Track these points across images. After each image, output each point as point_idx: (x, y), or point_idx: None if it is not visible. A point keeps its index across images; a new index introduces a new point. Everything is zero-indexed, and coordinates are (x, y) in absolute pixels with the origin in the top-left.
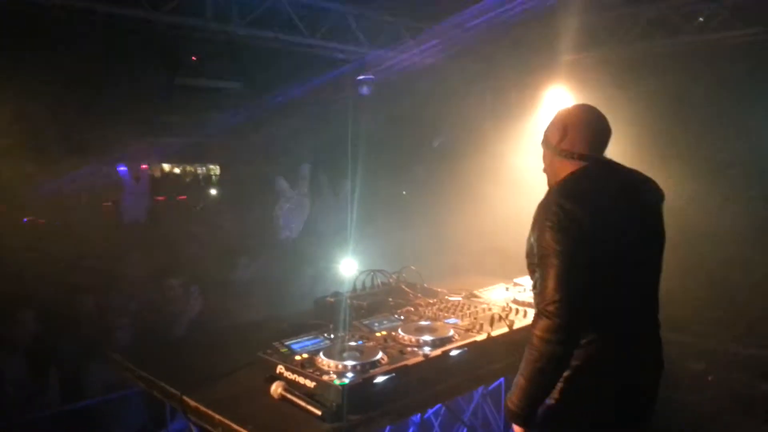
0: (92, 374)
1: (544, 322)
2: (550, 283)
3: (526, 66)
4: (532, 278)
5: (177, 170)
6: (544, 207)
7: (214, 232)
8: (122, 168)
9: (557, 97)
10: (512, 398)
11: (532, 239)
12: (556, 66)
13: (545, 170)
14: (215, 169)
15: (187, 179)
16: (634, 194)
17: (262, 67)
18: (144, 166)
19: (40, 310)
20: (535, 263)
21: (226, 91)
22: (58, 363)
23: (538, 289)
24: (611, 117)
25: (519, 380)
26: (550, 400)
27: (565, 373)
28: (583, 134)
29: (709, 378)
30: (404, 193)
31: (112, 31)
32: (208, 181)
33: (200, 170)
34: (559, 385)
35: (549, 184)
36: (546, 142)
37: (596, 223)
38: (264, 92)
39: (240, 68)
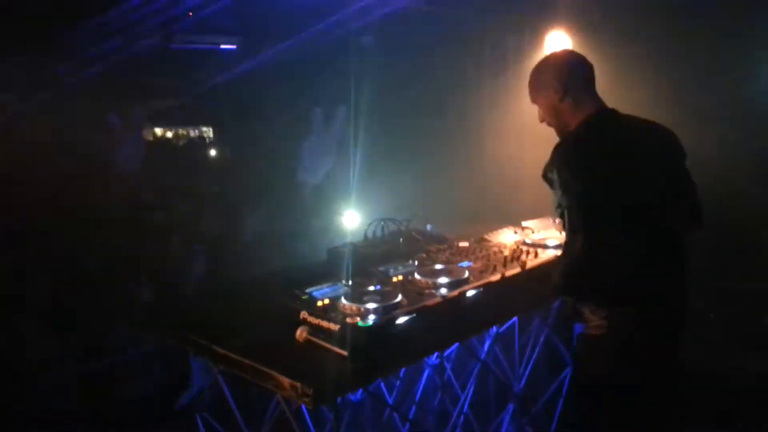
0: (113, 334)
1: (569, 254)
2: (575, 219)
3: (523, 9)
4: (562, 220)
5: (169, 134)
6: (566, 154)
7: (216, 190)
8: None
9: (557, 41)
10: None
11: (555, 183)
12: (554, 8)
13: (549, 123)
14: (208, 131)
15: (180, 142)
16: (648, 143)
17: (258, 22)
18: None
19: (57, 270)
20: (563, 205)
21: (222, 50)
22: (78, 324)
23: (567, 218)
24: (613, 59)
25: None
26: (591, 330)
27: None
28: (579, 80)
29: (711, 315)
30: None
31: None
32: (202, 143)
33: (193, 133)
34: (603, 320)
35: (559, 133)
36: (544, 98)
37: (614, 166)
38: (261, 49)
39: (238, 24)
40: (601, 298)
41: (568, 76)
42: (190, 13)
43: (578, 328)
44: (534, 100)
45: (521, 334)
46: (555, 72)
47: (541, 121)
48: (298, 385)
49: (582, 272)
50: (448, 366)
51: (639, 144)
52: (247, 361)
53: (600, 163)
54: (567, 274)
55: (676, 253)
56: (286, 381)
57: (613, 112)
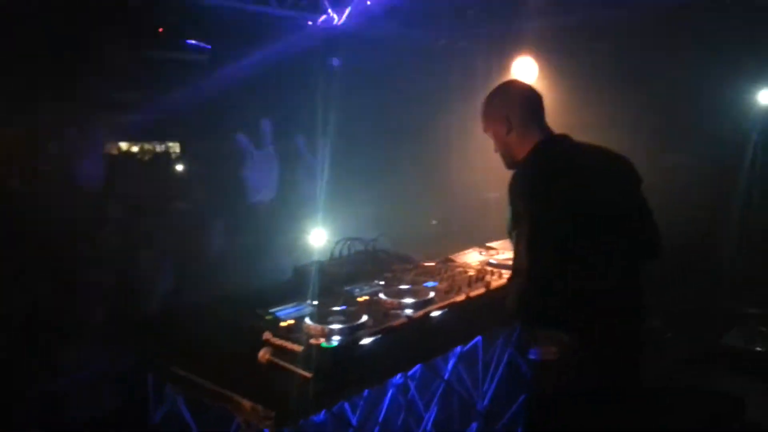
0: (70, 353)
1: (518, 281)
2: (523, 246)
3: (491, 35)
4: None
5: (135, 148)
6: (515, 183)
7: (181, 206)
8: None
9: (523, 66)
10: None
11: (508, 214)
12: (522, 34)
13: (500, 153)
14: (175, 147)
15: (146, 157)
16: (601, 167)
17: (227, 37)
18: None
19: (13, 285)
20: (515, 231)
21: (190, 63)
22: (33, 342)
23: (515, 250)
24: (576, 85)
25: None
26: (545, 356)
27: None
28: (525, 112)
29: (668, 334)
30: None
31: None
32: (168, 158)
33: (159, 148)
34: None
35: (507, 164)
36: (493, 131)
37: (565, 191)
38: (229, 64)
39: (206, 39)
40: (555, 324)
41: (514, 110)
42: (160, 29)
43: (532, 353)
44: (485, 130)
45: (485, 353)
46: (501, 106)
47: (496, 151)
48: (260, 407)
49: (536, 298)
50: (412, 385)
51: (591, 168)
52: (207, 384)
53: (550, 189)
54: (520, 299)
55: (632, 277)
56: (247, 404)
57: (562, 138)
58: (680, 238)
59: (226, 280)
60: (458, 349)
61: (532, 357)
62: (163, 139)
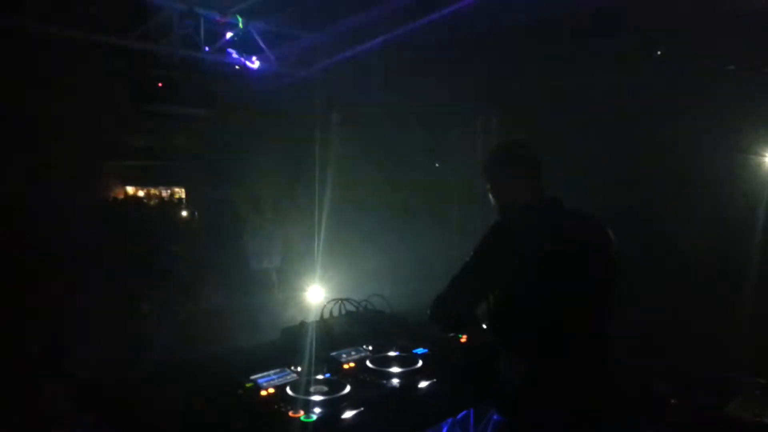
0: (48, 408)
1: (430, 308)
2: (448, 285)
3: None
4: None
5: (141, 192)
6: (491, 230)
7: (183, 259)
8: None
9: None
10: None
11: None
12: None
13: (493, 203)
14: (180, 192)
15: (152, 202)
16: (580, 236)
17: (229, 92)
18: None
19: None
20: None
21: (192, 116)
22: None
23: (454, 277)
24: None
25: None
26: None
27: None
28: (523, 171)
29: (672, 401)
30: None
31: (79, 53)
32: (173, 204)
33: (165, 193)
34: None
35: (500, 212)
36: (491, 184)
37: (533, 258)
38: (231, 117)
39: (207, 94)
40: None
41: (513, 168)
42: (160, 84)
43: (495, 415)
44: (485, 180)
45: (477, 425)
46: (502, 162)
47: (492, 198)
48: None
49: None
50: None
51: (569, 239)
52: None
53: (519, 251)
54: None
55: (593, 349)
56: None
57: (551, 203)
58: (687, 305)
59: (220, 339)
60: (449, 420)
61: (495, 418)
62: (169, 185)
